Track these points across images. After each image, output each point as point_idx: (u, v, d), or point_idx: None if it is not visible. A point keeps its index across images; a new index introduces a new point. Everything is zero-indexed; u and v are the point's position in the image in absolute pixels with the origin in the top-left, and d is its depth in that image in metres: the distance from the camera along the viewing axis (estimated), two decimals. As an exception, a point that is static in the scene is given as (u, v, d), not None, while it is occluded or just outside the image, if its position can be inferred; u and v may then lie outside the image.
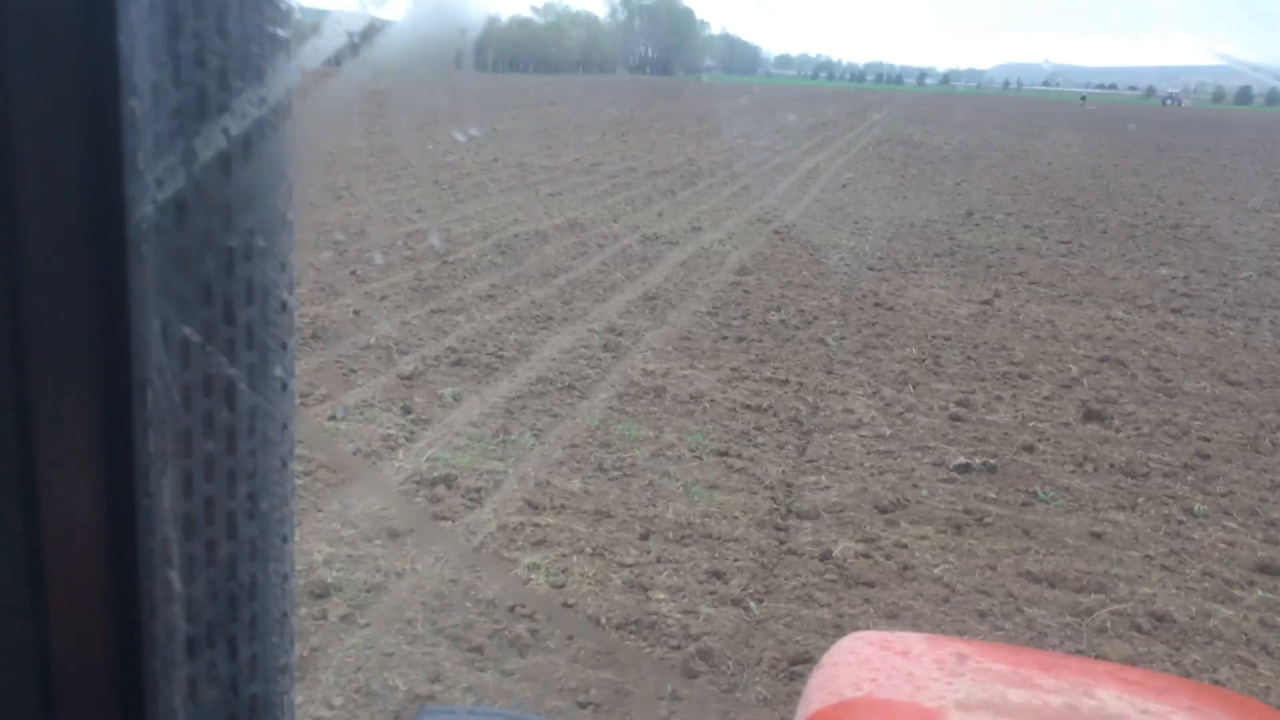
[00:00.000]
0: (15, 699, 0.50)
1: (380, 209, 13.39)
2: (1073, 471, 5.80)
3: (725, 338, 8.16)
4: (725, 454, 5.75)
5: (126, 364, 0.49)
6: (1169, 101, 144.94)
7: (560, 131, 29.58)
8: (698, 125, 35.57)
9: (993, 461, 5.80)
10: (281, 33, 0.50)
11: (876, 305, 9.60)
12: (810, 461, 5.77)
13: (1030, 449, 6.08)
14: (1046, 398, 7.08)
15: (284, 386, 0.53)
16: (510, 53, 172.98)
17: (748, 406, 6.54)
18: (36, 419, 0.48)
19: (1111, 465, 5.90)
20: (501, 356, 7.28)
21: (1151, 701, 1.19)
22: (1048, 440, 6.25)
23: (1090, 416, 6.66)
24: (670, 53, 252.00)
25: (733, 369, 7.28)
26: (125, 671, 0.53)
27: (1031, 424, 6.53)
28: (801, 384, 7.05)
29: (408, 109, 30.67)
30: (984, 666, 1.25)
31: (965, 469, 5.70)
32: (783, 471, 5.59)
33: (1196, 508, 5.40)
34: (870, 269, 11.34)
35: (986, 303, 9.92)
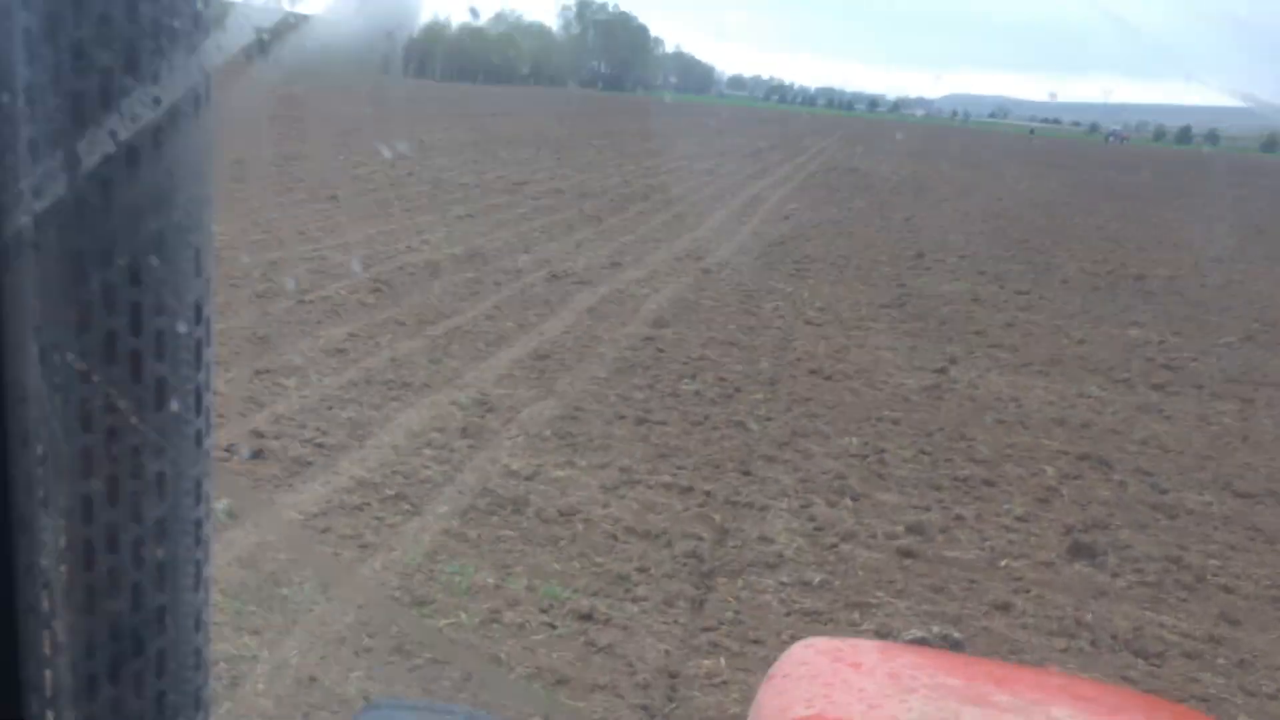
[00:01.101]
0: None
1: (254, 229, 11.60)
2: (1064, 649, 4.26)
3: (622, 417, 6.53)
4: (589, 617, 4.12)
5: (1, 390, 0.46)
6: (1112, 139, 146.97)
7: (493, 145, 27.87)
8: (640, 144, 34.05)
9: (956, 633, 4.23)
10: (179, 25, 0.45)
11: (812, 372, 8.05)
12: (707, 631, 4.15)
13: (1005, 607, 4.54)
14: (1020, 519, 5.55)
15: (183, 422, 0.47)
16: (460, 61, 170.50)
17: (633, 531, 4.92)
18: None
19: (1114, 637, 4.37)
20: (321, 445, 5.58)
21: (1105, 718, 1.17)
22: (1026, 592, 4.71)
23: (1078, 551, 5.14)
24: (623, 69, 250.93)
25: (622, 469, 5.66)
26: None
27: (1004, 563, 4.99)
28: (708, 493, 5.44)
29: (331, 117, 28.80)
30: (939, 680, 1.20)
31: (921, 645, 4.13)
32: (666, 652, 3.96)
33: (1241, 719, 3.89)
34: (808, 322, 9.81)
35: (941, 371, 8.43)
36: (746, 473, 5.84)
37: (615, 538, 4.83)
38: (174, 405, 0.47)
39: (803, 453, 6.23)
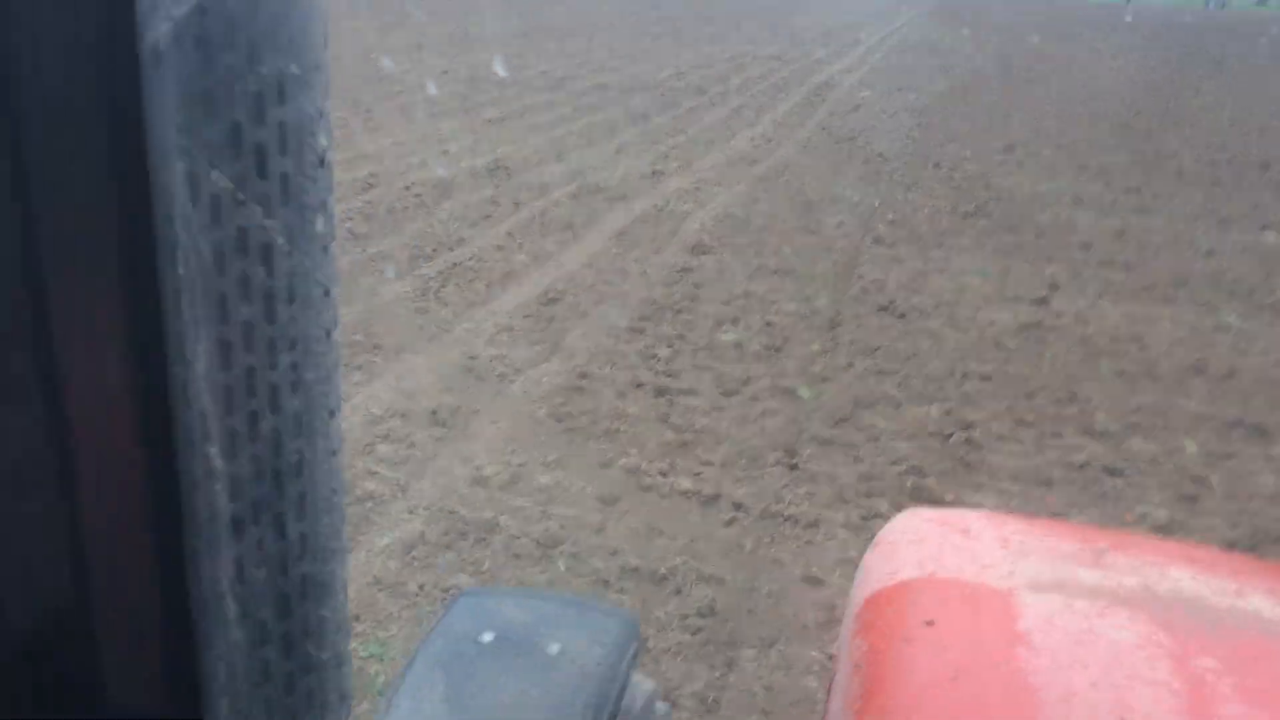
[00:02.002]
0: (46, 576, 0.48)
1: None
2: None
3: (639, 386, 5.23)
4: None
5: (148, 218, 0.43)
6: (1211, 4, 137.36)
7: (540, 36, 26.07)
8: (699, 29, 31.76)
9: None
10: None
11: (882, 310, 6.61)
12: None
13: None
14: (1160, 528, 4.16)
15: (325, 249, 0.46)
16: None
17: (633, 571, 3.66)
18: (47, 276, 0.43)
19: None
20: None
21: (1229, 582, 1.15)
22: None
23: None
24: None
25: (630, 469, 4.37)
26: (166, 552, 0.49)
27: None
28: (739, 505, 4.14)
29: (365, 5, 27.23)
30: (1051, 545, 1.19)
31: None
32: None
33: None
34: (877, 241, 8.29)
35: (1041, 301, 6.91)
36: (793, 465, 4.51)
37: (607, 583, 3.58)
38: (319, 225, 0.45)
39: (867, 431, 4.87)
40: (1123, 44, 36.61)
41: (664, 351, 5.69)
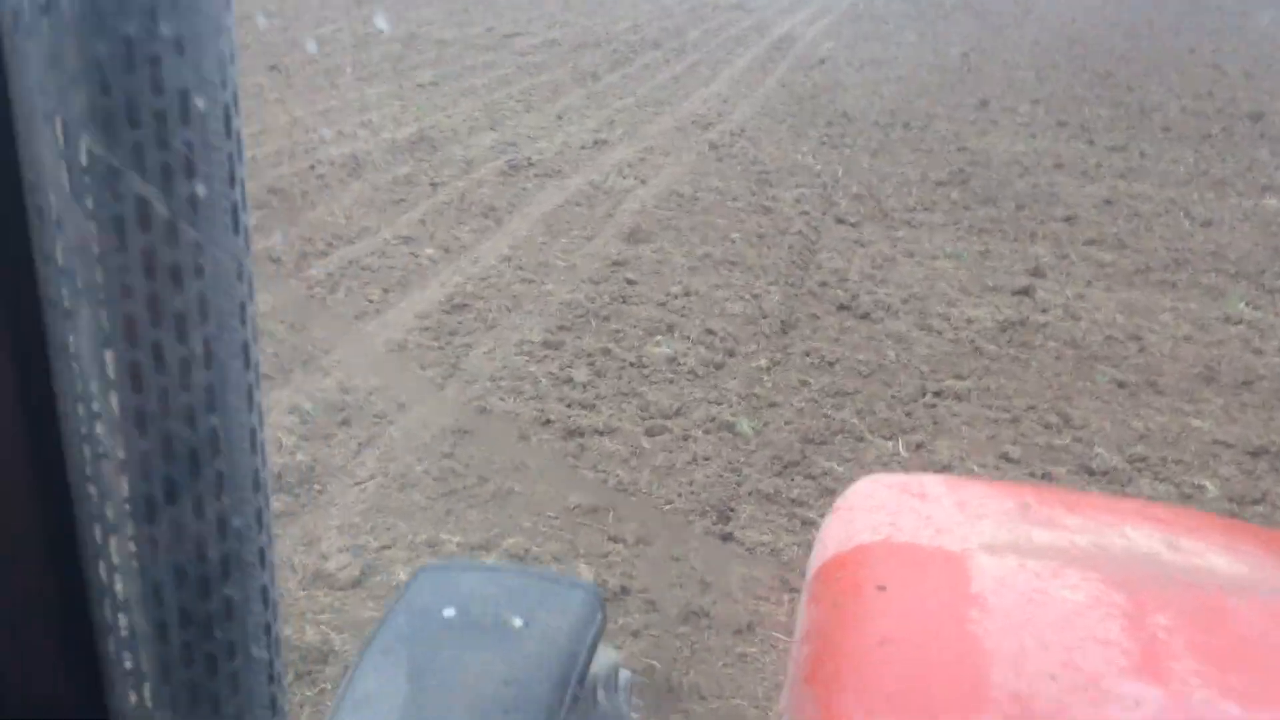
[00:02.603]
0: None
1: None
2: None
3: (548, 423, 4.31)
4: None
5: (16, 183, 0.43)
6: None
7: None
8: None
9: None
10: None
11: (843, 309, 5.70)
12: None
13: None
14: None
15: (235, 221, 0.44)
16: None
17: None
18: None
19: None
20: None
21: (1183, 538, 1.16)
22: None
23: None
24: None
25: (514, 550, 3.47)
26: (60, 539, 0.48)
27: None
28: (652, 600, 3.25)
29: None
30: (1006, 507, 1.20)
31: None
32: None
33: None
34: (840, 220, 7.36)
35: (1024, 292, 6.03)
36: (725, 536, 3.63)
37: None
38: (229, 196, 0.44)
39: (819, 481, 3.99)
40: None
41: (582, 374, 4.77)
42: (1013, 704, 0.96)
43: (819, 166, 8.87)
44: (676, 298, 5.73)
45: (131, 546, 0.46)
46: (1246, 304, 6.01)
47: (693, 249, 6.54)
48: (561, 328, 5.28)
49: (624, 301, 5.67)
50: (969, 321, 5.59)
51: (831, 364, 5.00)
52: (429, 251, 6.39)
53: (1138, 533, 1.19)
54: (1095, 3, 27.81)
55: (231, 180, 0.43)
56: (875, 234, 7.05)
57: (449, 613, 1.11)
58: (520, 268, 6.14)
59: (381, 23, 17.04)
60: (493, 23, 17.98)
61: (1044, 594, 1.09)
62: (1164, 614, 1.07)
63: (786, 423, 4.42)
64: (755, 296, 5.79)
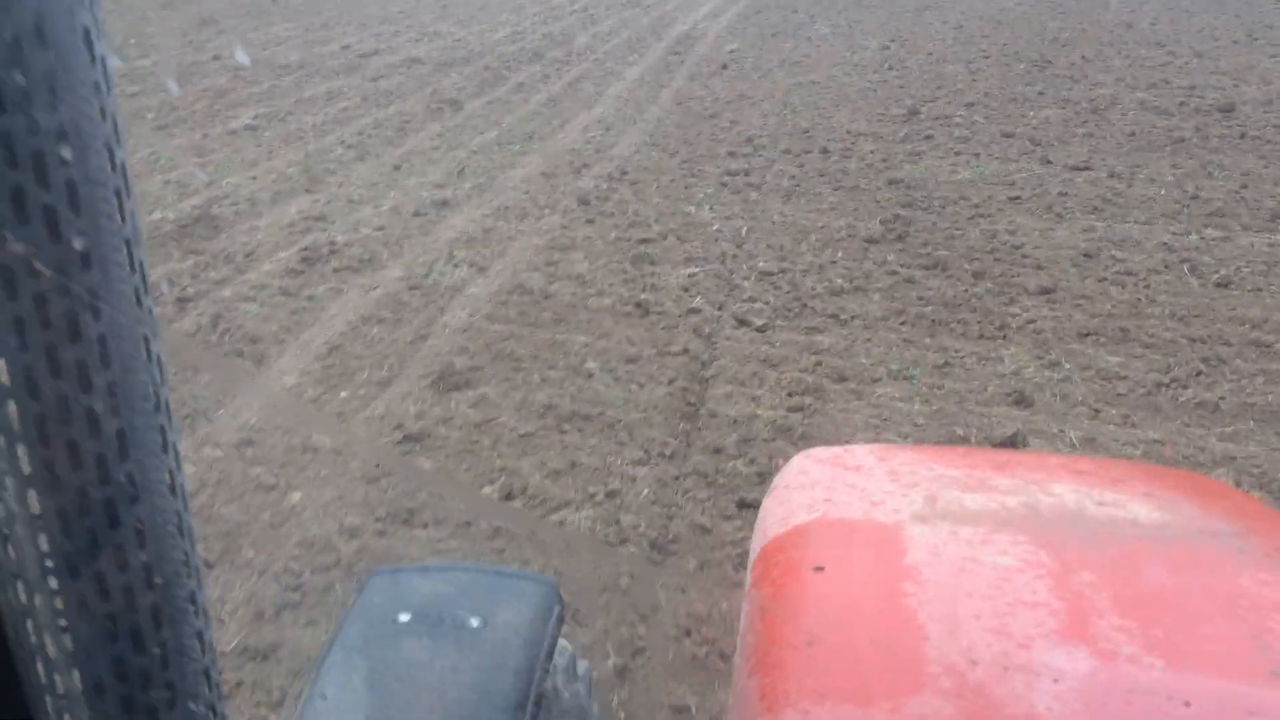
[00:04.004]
0: None
1: None
2: None
3: None
4: None
5: None
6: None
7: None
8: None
9: None
10: None
11: (745, 506, 3.72)
12: None
13: None
14: None
15: (130, 258, 0.44)
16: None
17: None
18: None
19: None
20: None
21: (1108, 491, 1.21)
22: None
23: None
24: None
25: None
26: None
27: None
28: None
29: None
30: (938, 473, 1.22)
31: None
32: None
33: None
34: (742, 321, 5.37)
35: (1011, 443, 4.10)
36: None
37: None
38: (119, 235, 0.42)
39: None
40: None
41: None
42: (949, 678, 0.98)
43: (717, 225, 6.89)
44: (488, 506, 3.70)
45: (57, 604, 0.44)
46: (1325, 439, 4.14)
47: (529, 396, 4.51)
48: (282, 611, 3.21)
49: (406, 521, 3.62)
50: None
51: (710, 641, 3.00)
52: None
53: (1063, 488, 1.21)
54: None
55: (121, 217, 0.42)
56: (791, 343, 5.07)
57: (404, 617, 1.09)
58: (259, 461, 4.06)
59: (241, 56, 14.65)
60: (352, 39, 15.72)
61: (975, 561, 1.12)
62: (1088, 570, 1.11)
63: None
64: (612, 495, 3.78)
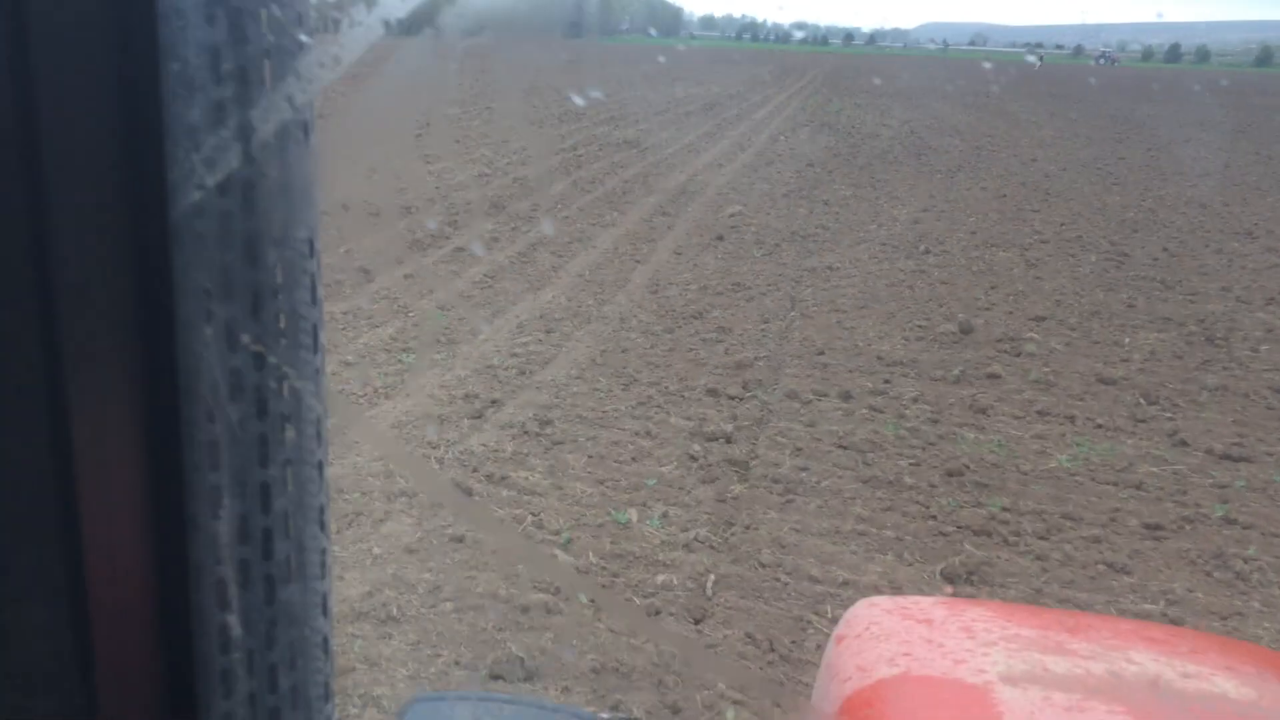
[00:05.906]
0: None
1: None
2: None
3: None
4: None
5: (172, 378, 0.43)
6: (1102, 61, 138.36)
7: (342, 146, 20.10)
8: (562, 106, 26.08)
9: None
10: None
11: None
12: None
13: None
14: None
15: (318, 375, 0.46)
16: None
17: None
18: (76, 441, 0.41)
19: None
20: None
21: (1189, 663, 1.16)
22: None
23: None
24: (580, 14, 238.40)
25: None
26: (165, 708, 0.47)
27: None
28: None
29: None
30: (1013, 633, 1.17)
31: None
32: None
33: None
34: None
35: None
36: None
37: None
38: (316, 357, 0.45)
39: None
40: (1036, 112, 31.96)
41: None
42: None
43: (662, 557, 4.04)
44: None
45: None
46: None
47: None
48: None
49: None
50: None
51: None
52: None
53: (1144, 656, 1.17)
54: (1044, 133, 23.98)
55: (315, 342, 0.44)
56: None
57: None
58: None
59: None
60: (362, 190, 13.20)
61: None
62: None
63: None
64: None
